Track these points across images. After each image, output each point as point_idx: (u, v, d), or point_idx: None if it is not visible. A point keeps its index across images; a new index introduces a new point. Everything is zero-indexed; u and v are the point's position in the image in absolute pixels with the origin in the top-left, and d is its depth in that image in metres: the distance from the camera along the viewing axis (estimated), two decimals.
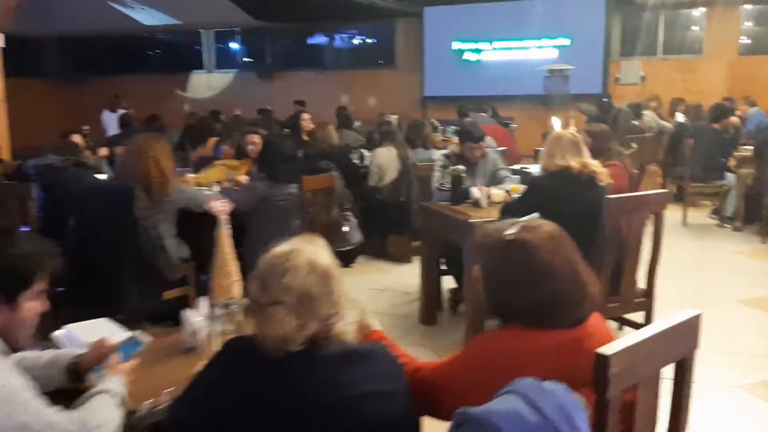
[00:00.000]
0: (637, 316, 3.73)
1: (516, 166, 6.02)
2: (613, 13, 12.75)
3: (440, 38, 14.06)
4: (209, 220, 4.14)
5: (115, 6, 14.87)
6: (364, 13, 14.46)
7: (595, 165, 3.66)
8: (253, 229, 4.55)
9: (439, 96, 13.92)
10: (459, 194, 4.37)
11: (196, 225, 4.25)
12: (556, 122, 9.11)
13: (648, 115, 8.29)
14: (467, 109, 9.47)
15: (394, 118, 8.36)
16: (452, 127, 8.86)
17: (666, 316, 1.65)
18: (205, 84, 17.05)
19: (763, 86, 11.24)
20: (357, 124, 12.46)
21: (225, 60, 17.06)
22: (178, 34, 17.51)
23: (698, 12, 12.60)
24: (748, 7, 12.24)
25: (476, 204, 4.30)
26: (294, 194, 4.52)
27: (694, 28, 12.76)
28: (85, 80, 17.28)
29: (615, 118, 7.24)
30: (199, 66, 17.02)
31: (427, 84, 14.37)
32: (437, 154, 5.10)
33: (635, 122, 7.43)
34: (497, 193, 4.33)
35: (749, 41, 12.52)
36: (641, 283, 3.74)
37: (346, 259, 6.00)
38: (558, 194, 3.53)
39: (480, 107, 9.72)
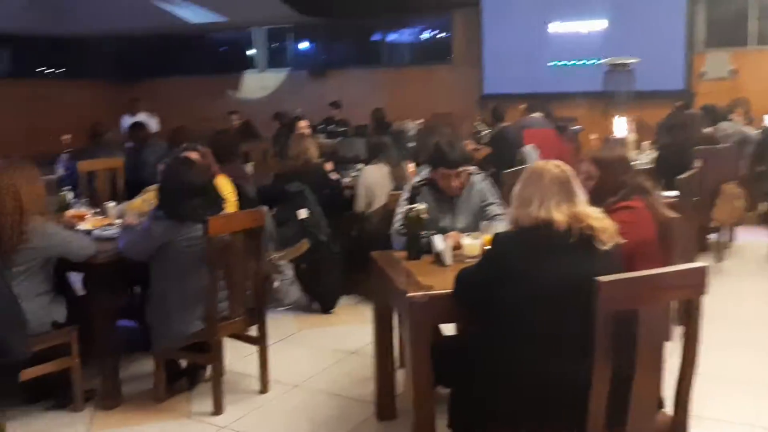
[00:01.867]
0: None
1: None
2: None
3: (500, 30, 12.67)
4: None
5: (161, 4, 14.32)
6: (419, 5, 13.33)
7: (594, 217, 2.35)
8: (154, 283, 3.45)
9: (498, 94, 12.51)
10: (415, 244, 3.13)
11: None
12: (619, 125, 7.63)
13: (728, 122, 6.67)
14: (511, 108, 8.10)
15: (413, 125, 7.07)
16: (486, 130, 7.51)
17: None
18: (257, 84, 16.29)
19: None
20: (411, 125, 11.37)
21: (277, 59, 16.25)
22: (230, 33, 16.85)
23: None
24: None
25: (439, 260, 3.04)
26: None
27: None
28: (136, 82, 16.81)
29: (683, 125, 5.73)
30: (252, 66, 16.31)
31: (487, 81, 13.00)
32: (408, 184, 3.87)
33: (708, 129, 5.88)
34: (471, 244, 3.04)
35: None
36: (668, 406, 2.39)
37: (325, 302, 4.84)
38: (533, 263, 2.27)
39: (532, 107, 8.31)
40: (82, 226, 3.93)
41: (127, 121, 10.90)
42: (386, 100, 12.63)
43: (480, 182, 3.61)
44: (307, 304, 4.95)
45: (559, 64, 12.18)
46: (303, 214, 4.77)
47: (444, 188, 3.49)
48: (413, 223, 3.12)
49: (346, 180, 5.61)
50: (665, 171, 5.74)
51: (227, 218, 3.40)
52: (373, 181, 5.04)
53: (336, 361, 4.10)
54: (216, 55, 17.50)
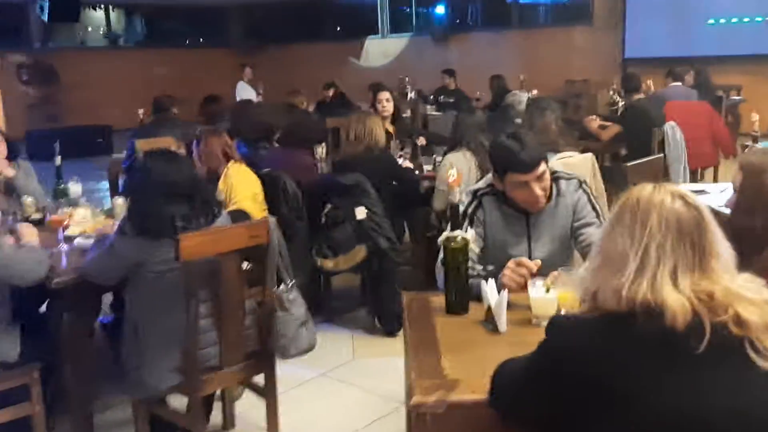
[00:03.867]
0: None
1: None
2: None
3: None
4: None
5: None
6: None
7: (748, 300, 1.22)
8: (127, 315, 2.63)
9: (643, 57, 10.83)
10: (457, 291, 2.05)
11: None
12: None
13: None
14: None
15: (524, 96, 5.83)
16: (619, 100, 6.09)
17: None
18: (379, 50, 15.41)
19: None
20: (522, 96, 10.05)
21: (400, 23, 15.23)
22: None
23: None
24: None
25: (491, 321, 1.96)
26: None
27: None
28: (264, 49, 16.42)
29: None
30: (375, 31, 15.42)
31: (629, 43, 11.34)
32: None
33: None
34: (542, 300, 1.93)
35: None
36: None
37: (388, 323, 3.90)
38: (620, 382, 1.19)
39: (676, 73, 6.80)
40: (71, 230, 3.17)
41: (243, 87, 10.42)
42: (516, 67, 11.34)
43: (572, 191, 2.45)
44: (369, 324, 4.06)
45: (722, 21, 10.32)
46: (360, 213, 3.80)
47: (518, 201, 2.38)
48: (454, 258, 2.04)
49: (428, 168, 4.55)
50: None
51: (210, 235, 2.48)
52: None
53: (389, 413, 3.13)
54: (341, 20, 16.77)
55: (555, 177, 2.45)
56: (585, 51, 11.94)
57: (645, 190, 1.32)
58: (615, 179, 4.04)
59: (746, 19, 9.68)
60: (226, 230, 2.55)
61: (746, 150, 3.38)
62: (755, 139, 3.35)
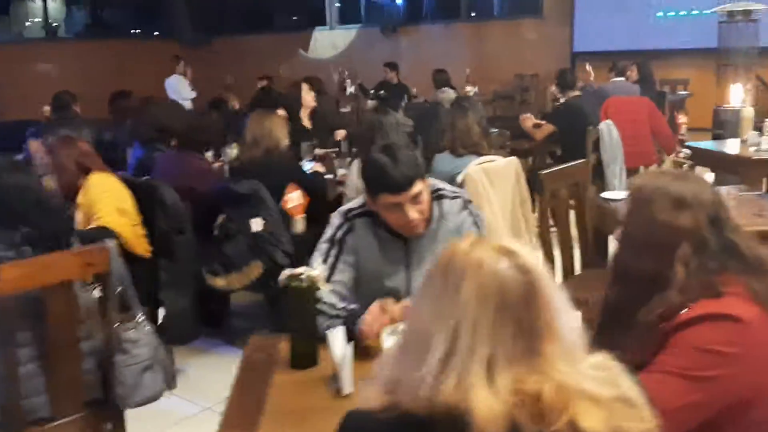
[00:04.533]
0: None
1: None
2: None
3: None
4: None
5: None
6: None
7: (591, 397, 0.86)
8: None
9: (592, 51, 10.59)
10: (301, 342, 1.69)
11: None
12: (736, 93, 5.79)
13: None
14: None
15: (449, 93, 5.48)
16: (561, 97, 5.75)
17: None
18: (328, 42, 14.98)
19: None
20: (474, 90, 9.76)
21: (349, 14, 14.83)
22: None
23: None
24: None
25: (335, 380, 1.60)
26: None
27: None
28: (210, 41, 15.85)
29: None
30: (323, 22, 14.97)
31: (578, 36, 11.10)
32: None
33: None
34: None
35: None
36: None
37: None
38: None
39: (618, 68, 6.52)
40: None
41: (175, 81, 9.90)
42: (466, 60, 11.19)
43: (456, 212, 2.10)
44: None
45: (670, 14, 10.12)
46: (256, 225, 3.41)
47: (392, 224, 2.02)
48: (298, 301, 1.68)
49: (343, 172, 4.17)
50: None
51: (29, 266, 2.07)
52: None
53: None
54: (290, 11, 16.28)
55: (438, 196, 2.09)
56: (536, 44, 11.70)
57: (463, 244, 0.97)
58: (537, 186, 3.72)
59: (695, 12, 9.48)
60: (50, 259, 2.14)
61: (667, 159, 3.08)
62: (681, 143, 3.04)
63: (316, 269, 1.71)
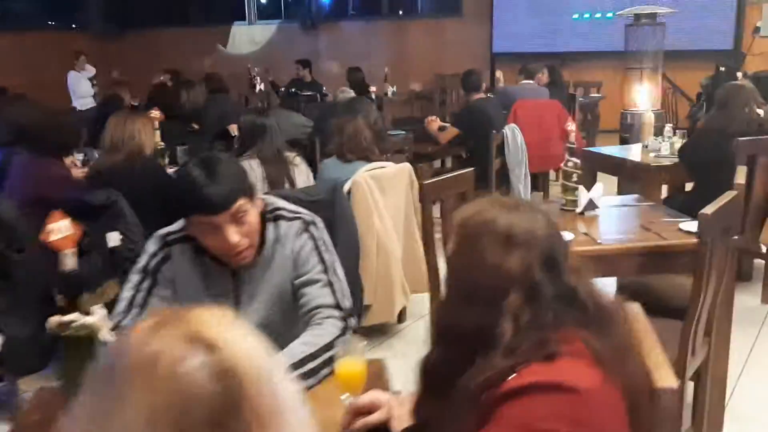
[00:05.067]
0: None
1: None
2: None
3: None
4: None
5: None
6: None
7: None
8: None
9: (509, 52, 10.53)
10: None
11: None
12: (641, 96, 5.73)
13: None
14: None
15: (347, 93, 5.22)
16: None
17: None
18: (247, 37, 14.53)
19: None
20: (392, 89, 9.56)
21: (269, 9, 14.40)
22: None
23: None
24: None
25: None
26: None
27: None
28: (124, 34, 15.14)
29: (724, 102, 3.82)
30: (242, 17, 14.50)
31: (497, 37, 11.01)
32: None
33: (761, 111, 3.96)
34: None
35: None
36: None
37: None
38: None
39: (528, 70, 6.40)
40: None
41: (75, 78, 9.29)
42: (387, 58, 11.03)
43: (294, 236, 1.82)
44: None
45: (585, 16, 10.14)
46: (113, 239, 3.06)
47: (212, 251, 1.72)
48: (75, 353, 1.37)
49: None
50: (694, 171, 3.88)
51: None
52: None
53: None
54: (209, 5, 15.70)
55: (275, 216, 1.81)
56: (456, 44, 11.57)
57: (142, 328, 0.69)
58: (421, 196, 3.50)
59: (609, 14, 9.52)
60: None
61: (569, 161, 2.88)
62: (571, 152, 2.86)
63: (95, 314, 1.40)
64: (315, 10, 13.77)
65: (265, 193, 1.97)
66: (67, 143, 3.55)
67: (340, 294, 1.75)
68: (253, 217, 1.70)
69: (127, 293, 1.74)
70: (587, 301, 1.12)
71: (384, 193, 3.62)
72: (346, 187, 3.49)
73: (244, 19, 14.40)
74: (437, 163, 6.18)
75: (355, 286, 3.60)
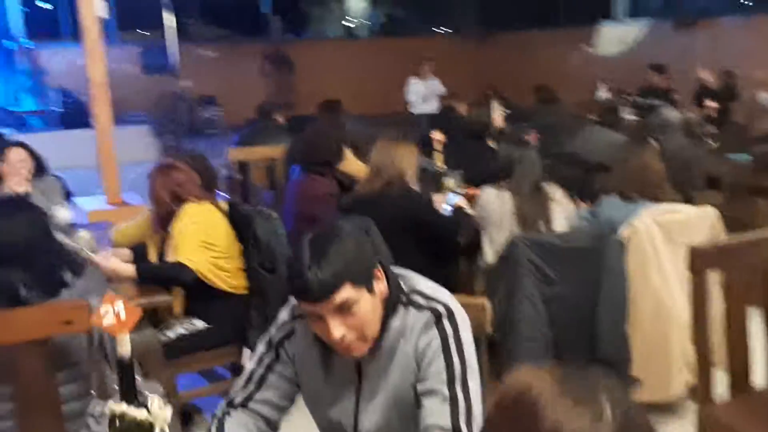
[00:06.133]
0: None
1: None
2: None
3: None
4: None
5: None
6: None
7: None
8: None
9: None
10: None
11: None
12: None
13: None
14: None
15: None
16: None
17: None
18: (616, 37, 13.73)
19: None
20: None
21: (640, 6, 13.42)
22: None
23: None
24: None
25: None
26: None
27: None
28: (493, 36, 15.53)
29: None
30: (609, 15, 13.78)
31: None
32: None
33: None
34: None
35: None
36: None
37: None
38: None
39: None
40: None
41: (414, 85, 9.69)
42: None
43: (420, 330, 1.46)
44: None
45: None
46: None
47: (324, 339, 1.47)
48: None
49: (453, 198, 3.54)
50: None
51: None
52: (488, 214, 3.01)
53: None
54: (576, 3, 15.25)
55: (409, 300, 1.49)
56: None
57: None
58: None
59: None
60: (17, 314, 1.99)
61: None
62: None
63: (158, 408, 1.26)
64: (692, 5, 12.39)
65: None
66: (330, 161, 3.60)
67: (464, 414, 1.36)
68: (365, 306, 1.41)
69: (249, 365, 1.60)
70: None
71: (672, 243, 2.97)
72: (623, 232, 2.95)
73: (610, 17, 13.64)
74: None
75: (620, 349, 3.03)
